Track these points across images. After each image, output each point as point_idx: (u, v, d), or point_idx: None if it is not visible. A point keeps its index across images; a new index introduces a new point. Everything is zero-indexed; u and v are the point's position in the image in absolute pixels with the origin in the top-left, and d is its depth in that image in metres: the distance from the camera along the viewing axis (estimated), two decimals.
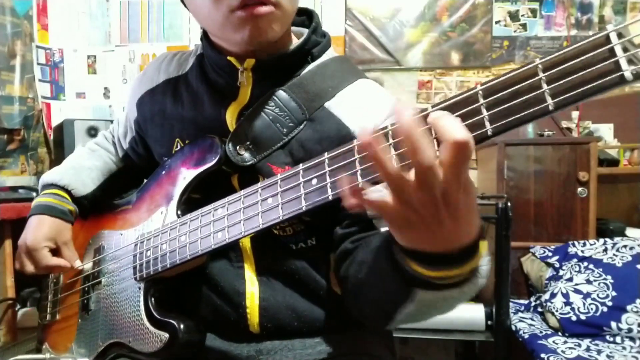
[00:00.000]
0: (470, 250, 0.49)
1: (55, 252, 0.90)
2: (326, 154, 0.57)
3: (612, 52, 0.41)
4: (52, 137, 2.51)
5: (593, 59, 0.42)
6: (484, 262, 0.53)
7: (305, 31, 0.81)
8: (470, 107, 0.47)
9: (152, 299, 0.77)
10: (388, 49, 2.48)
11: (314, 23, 0.82)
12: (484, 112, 0.47)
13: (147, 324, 0.75)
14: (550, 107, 0.44)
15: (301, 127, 0.76)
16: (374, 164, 0.44)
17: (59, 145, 2.21)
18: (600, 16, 2.36)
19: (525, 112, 0.45)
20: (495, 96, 0.46)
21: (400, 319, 0.61)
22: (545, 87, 0.44)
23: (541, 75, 0.44)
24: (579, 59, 0.43)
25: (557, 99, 0.43)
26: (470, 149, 0.42)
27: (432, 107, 0.50)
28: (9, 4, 2.33)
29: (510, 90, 0.46)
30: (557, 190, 2.06)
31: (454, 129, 0.41)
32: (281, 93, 0.76)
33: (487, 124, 0.46)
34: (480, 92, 0.47)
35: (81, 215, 0.96)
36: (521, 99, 0.45)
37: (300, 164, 0.59)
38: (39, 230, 0.88)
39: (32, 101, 2.48)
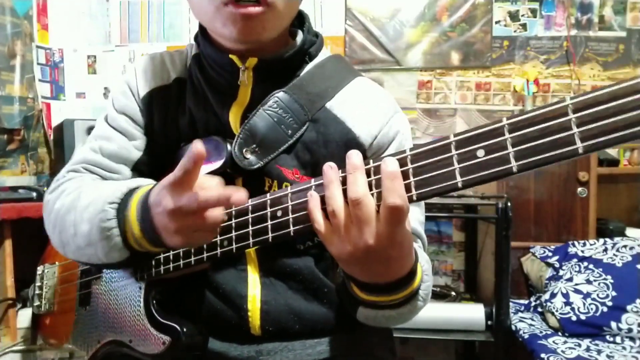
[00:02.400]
0: (399, 284, 0.59)
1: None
2: (340, 171, 0.56)
3: None
4: (52, 137, 2.50)
5: (628, 105, 0.40)
6: (424, 288, 0.65)
7: (299, 31, 0.81)
8: (495, 140, 0.47)
9: (154, 300, 0.77)
10: (388, 49, 2.47)
11: (307, 23, 0.82)
12: (510, 148, 0.46)
13: (149, 326, 0.75)
14: (580, 151, 0.42)
15: (304, 128, 0.76)
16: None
17: (59, 145, 2.20)
18: (600, 16, 2.36)
19: (553, 153, 0.43)
20: (521, 132, 0.45)
21: (373, 324, 0.71)
22: (575, 129, 0.42)
23: (571, 116, 0.43)
24: (613, 103, 0.41)
25: (587, 143, 0.42)
26: (403, 215, 0.51)
27: (455, 135, 0.50)
28: (9, 4, 2.32)
29: (538, 127, 0.44)
30: (557, 190, 2.07)
31: (392, 195, 0.50)
32: (283, 94, 0.76)
33: (513, 160, 0.45)
34: (507, 126, 0.46)
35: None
36: (549, 138, 0.44)
37: (312, 180, 0.59)
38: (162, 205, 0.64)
39: (32, 101, 2.48)
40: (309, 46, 0.80)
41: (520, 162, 0.45)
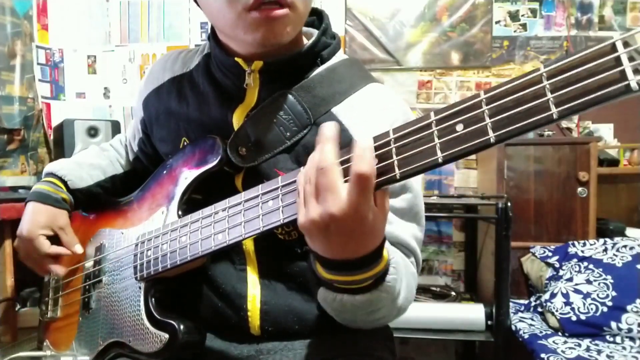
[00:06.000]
0: (359, 263, 0.57)
1: (54, 239, 0.90)
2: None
3: (617, 61, 0.40)
4: (52, 137, 2.51)
5: (598, 67, 0.41)
6: (389, 280, 0.61)
7: (315, 32, 0.79)
8: (473, 114, 0.47)
9: (153, 299, 0.77)
10: (388, 49, 2.48)
11: (324, 24, 0.80)
12: (487, 120, 0.46)
13: (148, 324, 0.76)
14: (555, 116, 0.43)
15: (305, 131, 0.75)
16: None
17: (59, 145, 2.20)
18: (600, 16, 2.36)
19: (529, 121, 0.44)
20: (498, 103, 0.46)
21: (335, 318, 0.69)
22: (549, 95, 0.43)
23: (545, 83, 0.44)
24: (583, 67, 0.42)
25: (561, 108, 0.43)
26: (369, 184, 0.50)
27: (435, 113, 0.50)
28: (9, 4, 2.33)
29: (513, 97, 0.45)
30: (557, 190, 2.07)
31: (360, 162, 0.50)
32: (288, 96, 0.75)
33: (490, 131, 0.46)
34: (484, 99, 0.47)
35: (76, 207, 0.96)
36: (525, 107, 0.44)
37: (302, 167, 0.59)
38: (34, 219, 0.88)
39: (32, 101, 2.48)
40: (321, 48, 0.79)
41: (498, 133, 0.46)
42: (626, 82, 0.40)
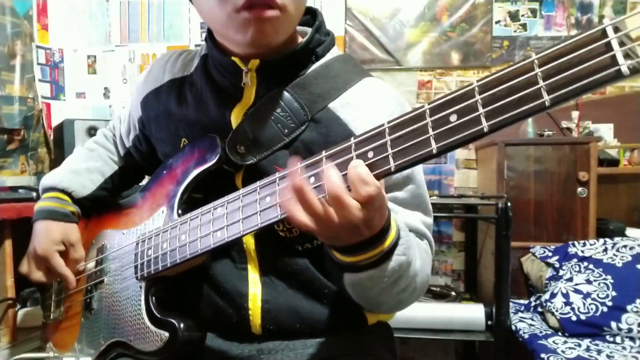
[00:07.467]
0: (374, 239, 0.59)
1: (63, 254, 0.90)
2: (324, 152, 0.57)
3: (608, 47, 0.40)
4: (52, 137, 2.51)
5: (589, 53, 0.41)
6: (402, 242, 0.63)
7: (309, 30, 0.80)
8: (466, 103, 0.47)
9: (153, 298, 0.78)
10: (388, 49, 2.48)
11: (317, 22, 0.81)
12: (480, 109, 0.46)
13: (148, 323, 0.76)
14: (547, 103, 0.43)
15: (303, 127, 0.75)
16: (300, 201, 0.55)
17: (59, 145, 2.20)
18: (600, 16, 2.37)
19: (522, 109, 0.44)
20: (491, 92, 0.46)
21: (362, 302, 0.72)
22: (541, 82, 0.43)
23: (537, 70, 0.43)
24: (575, 54, 0.42)
25: (553, 95, 0.43)
26: (373, 199, 0.53)
27: (429, 103, 0.50)
28: (9, 4, 2.33)
29: (506, 86, 0.45)
30: (557, 190, 2.06)
31: (360, 187, 0.52)
32: (284, 93, 0.76)
33: (483, 120, 0.46)
34: (477, 88, 0.47)
35: (84, 215, 0.96)
36: (517, 95, 0.44)
37: (299, 162, 0.59)
38: (48, 236, 0.89)
39: (32, 101, 2.48)
40: (315, 45, 0.79)
41: (491, 122, 0.46)
42: (617, 67, 0.40)
